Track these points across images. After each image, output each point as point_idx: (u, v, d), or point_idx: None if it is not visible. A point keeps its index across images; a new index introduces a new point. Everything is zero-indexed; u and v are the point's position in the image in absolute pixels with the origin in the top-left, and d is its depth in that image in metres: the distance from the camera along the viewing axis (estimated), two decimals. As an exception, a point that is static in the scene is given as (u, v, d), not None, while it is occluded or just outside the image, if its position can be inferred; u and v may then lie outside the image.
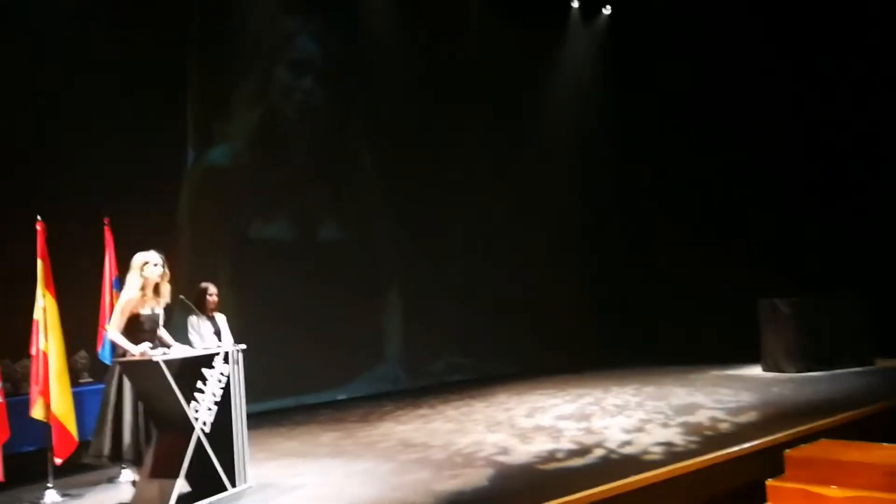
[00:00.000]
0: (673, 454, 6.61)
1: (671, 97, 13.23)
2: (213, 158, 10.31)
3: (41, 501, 6.43)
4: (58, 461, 6.50)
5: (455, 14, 12.36)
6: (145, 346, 5.83)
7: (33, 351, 6.47)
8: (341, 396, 10.90)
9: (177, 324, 6.76)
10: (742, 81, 12.61)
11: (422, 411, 9.49)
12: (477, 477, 6.29)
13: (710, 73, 12.85)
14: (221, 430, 6.05)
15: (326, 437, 8.35)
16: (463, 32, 12.44)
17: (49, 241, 6.56)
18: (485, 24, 12.52)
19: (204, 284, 6.91)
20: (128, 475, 6.67)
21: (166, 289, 6.14)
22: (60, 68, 8.30)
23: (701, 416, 8.06)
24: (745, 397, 8.98)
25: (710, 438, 7.08)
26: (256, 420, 7.73)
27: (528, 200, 13.03)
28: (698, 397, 9.16)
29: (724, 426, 7.57)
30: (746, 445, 6.71)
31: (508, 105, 12.88)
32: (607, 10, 13.74)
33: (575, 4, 13.47)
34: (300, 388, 10.53)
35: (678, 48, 13.10)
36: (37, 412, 6.42)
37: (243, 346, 6.41)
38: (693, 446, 6.83)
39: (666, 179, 13.50)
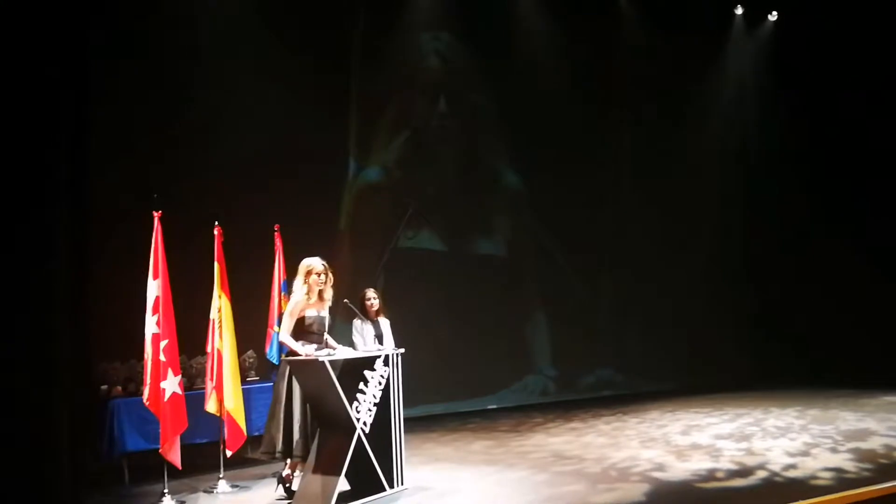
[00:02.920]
0: (844, 481, 6.26)
1: (839, 103, 12.52)
2: (369, 173, 10.67)
3: (215, 490, 6.81)
4: (228, 453, 6.87)
5: (608, 21, 12.08)
6: (312, 348, 6.09)
7: (209, 349, 6.85)
8: (491, 406, 10.96)
9: (339, 327, 7.01)
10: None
11: (573, 424, 9.39)
12: (633, 492, 6.18)
13: (885, 78, 12.11)
14: (380, 431, 6.23)
15: (478, 444, 8.41)
16: (616, 39, 12.16)
17: (224, 246, 6.95)
18: (641, 31, 12.22)
19: (364, 290, 7.16)
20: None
21: (329, 293, 6.40)
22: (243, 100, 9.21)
23: (874, 443, 7.58)
24: (924, 426, 8.39)
25: (886, 467, 6.65)
26: (408, 424, 7.82)
27: (681, 212, 12.61)
28: (869, 423, 8.61)
29: (900, 455, 7.10)
30: (927, 476, 6.27)
31: (663, 114, 12.52)
32: (773, 17, 13.22)
33: (739, 11, 13.03)
34: (451, 395, 10.69)
35: (846, 54, 12.42)
36: (211, 407, 6.80)
37: (402, 350, 6.57)
38: (866, 474, 6.45)
39: (830, 188, 12.72)
